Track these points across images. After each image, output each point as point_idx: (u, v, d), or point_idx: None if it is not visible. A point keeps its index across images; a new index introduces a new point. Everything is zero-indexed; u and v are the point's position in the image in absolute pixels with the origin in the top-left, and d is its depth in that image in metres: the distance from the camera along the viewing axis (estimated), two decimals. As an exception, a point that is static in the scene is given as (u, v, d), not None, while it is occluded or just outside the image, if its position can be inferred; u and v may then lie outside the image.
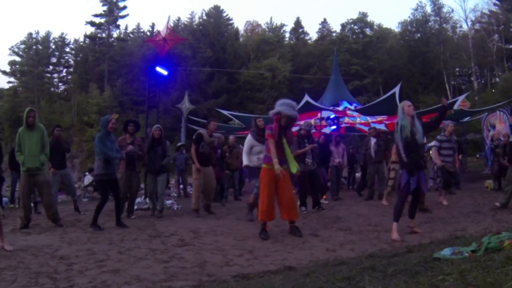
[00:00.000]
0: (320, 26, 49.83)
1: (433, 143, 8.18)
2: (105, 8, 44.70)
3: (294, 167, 4.84)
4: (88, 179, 12.89)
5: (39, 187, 5.95)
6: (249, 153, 6.15)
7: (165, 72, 10.28)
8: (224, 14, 46.62)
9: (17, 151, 5.72)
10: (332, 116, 15.01)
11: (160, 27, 35.67)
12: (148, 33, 46.65)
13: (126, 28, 49.04)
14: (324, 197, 8.56)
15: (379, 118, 13.82)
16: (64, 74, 48.45)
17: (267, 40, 44.70)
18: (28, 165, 5.67)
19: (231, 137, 10.60)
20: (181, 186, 11.80)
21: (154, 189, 7.00)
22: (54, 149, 7.25)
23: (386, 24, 63.87)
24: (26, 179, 5.76)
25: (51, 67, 47.77)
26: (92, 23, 44.87)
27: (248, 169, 6.40)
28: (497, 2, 36.21)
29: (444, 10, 40.80)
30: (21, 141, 5.71)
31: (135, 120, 7.68)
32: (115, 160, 6.00)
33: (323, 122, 14.89)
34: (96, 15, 44.87)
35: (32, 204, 7.04)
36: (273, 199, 4.89)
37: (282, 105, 4.85)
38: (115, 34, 46.83)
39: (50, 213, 5.97)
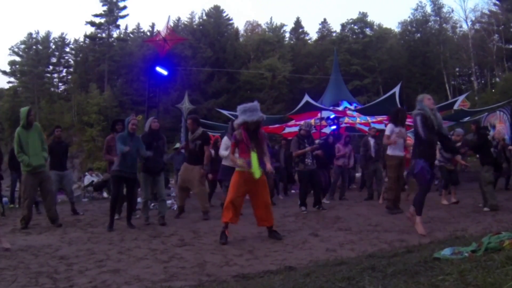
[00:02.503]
0: (320, 26, 49.91)
1: None
2: (105, 8, 44.74)
3: (258, 172, 4.57)
4: (88, 179, 12.88)
5: (43, 183, 5.88)
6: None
7: (165, 72, 10.28)
8: (224, 14, 46.69)
9: (18, 152, 5.60)
10: (332, 116, 15.02)
11: (160, 27, 35.81)
12: (148, 33, 46.66)
13: (126, 28, 49.13)
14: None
15: (379, 118, 13.84)
16: (64, 74, 48.48)
17: (267, 40, 44.70)
18: (34, 163, 5.63)
19: None
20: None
21: (150, 194, 6.36)
22: (55, 150, 7.24)
23: (386, 24, 63.99)
24: (31, 178, 5.72)
25: (51, 67, 47.76)
26: (92, 23, 44.89)
27: (222, 168, 6.55)
28: (497, 2, 36.18)
29: (444, 10, 40.88)
30: (22, 142, 5.61)
31: (123, 119, 7.12)
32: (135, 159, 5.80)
33: (323, 122, 14.91)
34: (96, 15, 44.95)
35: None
36: (239, 202, 4.77)
37: (246, 112, 4.59)
38: (115, 34, 46.96)
39: (50, 211, 5.96)
